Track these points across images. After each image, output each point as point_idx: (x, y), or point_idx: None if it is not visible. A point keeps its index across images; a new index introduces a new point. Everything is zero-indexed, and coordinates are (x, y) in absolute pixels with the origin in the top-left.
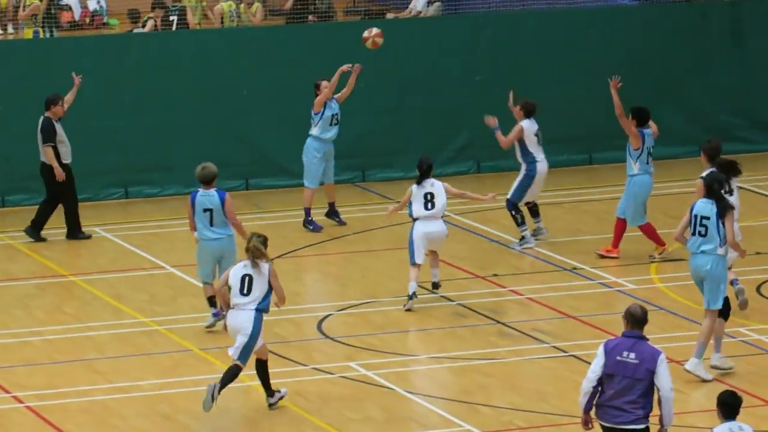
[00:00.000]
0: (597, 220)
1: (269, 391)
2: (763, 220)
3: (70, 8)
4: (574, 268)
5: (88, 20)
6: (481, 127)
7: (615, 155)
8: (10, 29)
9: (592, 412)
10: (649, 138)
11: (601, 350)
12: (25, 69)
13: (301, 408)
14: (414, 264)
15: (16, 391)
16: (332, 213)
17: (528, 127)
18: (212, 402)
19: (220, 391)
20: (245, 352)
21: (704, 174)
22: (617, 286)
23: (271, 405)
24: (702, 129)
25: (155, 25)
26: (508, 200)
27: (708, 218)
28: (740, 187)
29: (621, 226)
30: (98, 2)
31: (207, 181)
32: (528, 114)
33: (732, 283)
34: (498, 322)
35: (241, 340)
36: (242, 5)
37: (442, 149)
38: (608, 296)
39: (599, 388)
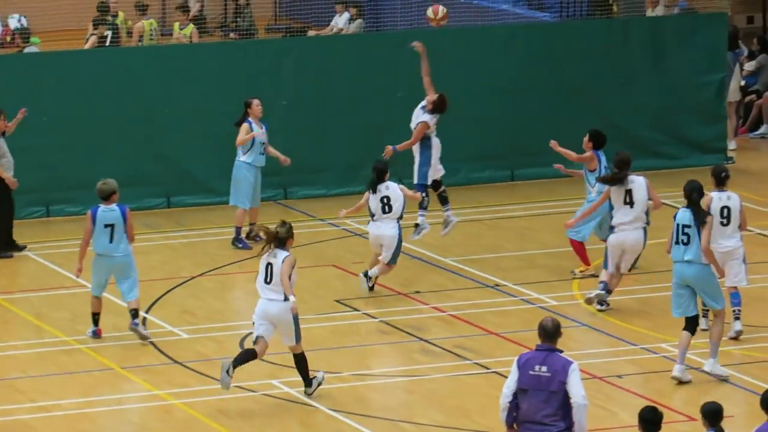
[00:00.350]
0: (519, 236)
1: (307, 381)
2: None
3: None
4: (497, 285)
5: (9, 39)
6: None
7: (536, 172)
8: None
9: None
10: (604, 159)
11: (514, 365)
12: None
13: (223, 426)
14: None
15: None
16: (250, 234)
17: (429, 119)
18: (229, 379)
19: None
20: (297, 335)
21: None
22: (539, 302)
23: (306, 393)
24: (623, 145)
25: (96, 42)
26: (415, 185)
27: (689, 226)
28: (664, 203)
29: (578, 245)
30: (19, 21)
31: (107, 197)
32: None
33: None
34: (421, 339)
35: (287, 328)
36: (175, 25)
37: (364, 166)
38: (530, 312)
39: (516, 402)
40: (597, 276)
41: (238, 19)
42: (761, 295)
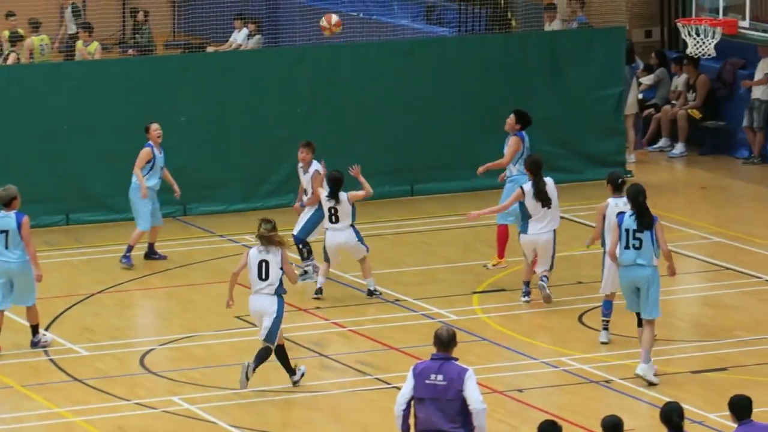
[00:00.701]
0: (419, 251)
1: (290, 371)
2: (584, 250)
3: None
4: (397, 300)
5: None
6: None
7: (436, 186)
8: None
9: None
10: (527, 140)
11: (410, 374)
12: None
13: None
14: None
15: None
16: (151, 253)
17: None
18: (247, 381)
19: (254, 370)
20: (272, 334)
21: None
22: (440, 317)
23: (295, 383)
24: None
25: (17, 59)
26: (294, 236)
27: (641, 231)
28: (563, 217)
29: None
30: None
31: (6, 203)
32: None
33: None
34: (321, 354)
35: (267, 322)
36: (79, 42)
37: (263, 182)
38: (431, 327)
39: (410, 411)
40: (498, 290)
41: (137, 35)
42: (668, 309)
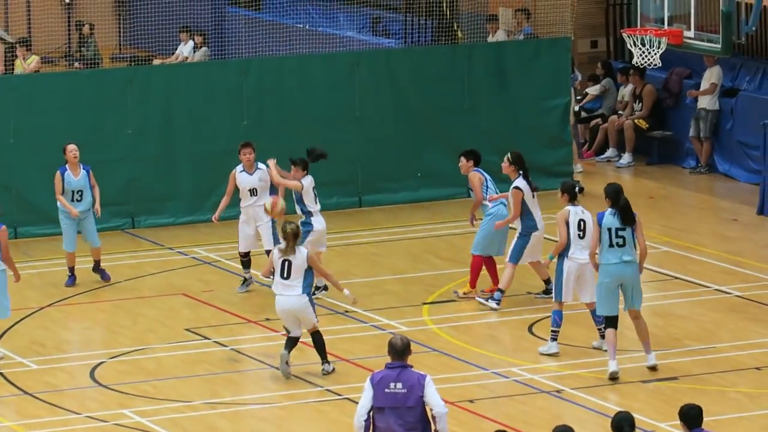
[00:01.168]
0: (368, 262)
1: (324, 359)
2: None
3: None
4: (346, 311)
5: None
6: None
7: (383, 198)
8: None
9: None
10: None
11: (368, 384)
12: None
13: None
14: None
15: None
16: (95, 270)
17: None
18: (289, 368)
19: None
20: (310, 322)
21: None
22: (390, 328)
23: (324, 372)
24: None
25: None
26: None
27: (623, 229)
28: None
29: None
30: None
31: None
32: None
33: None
34: (271, 366)
35: (306, 318)
36: (17, 61)
37: (211, 194)
38: (381, 339)
39: (370, 422)
40: (447, 301)
41: (83, 48)
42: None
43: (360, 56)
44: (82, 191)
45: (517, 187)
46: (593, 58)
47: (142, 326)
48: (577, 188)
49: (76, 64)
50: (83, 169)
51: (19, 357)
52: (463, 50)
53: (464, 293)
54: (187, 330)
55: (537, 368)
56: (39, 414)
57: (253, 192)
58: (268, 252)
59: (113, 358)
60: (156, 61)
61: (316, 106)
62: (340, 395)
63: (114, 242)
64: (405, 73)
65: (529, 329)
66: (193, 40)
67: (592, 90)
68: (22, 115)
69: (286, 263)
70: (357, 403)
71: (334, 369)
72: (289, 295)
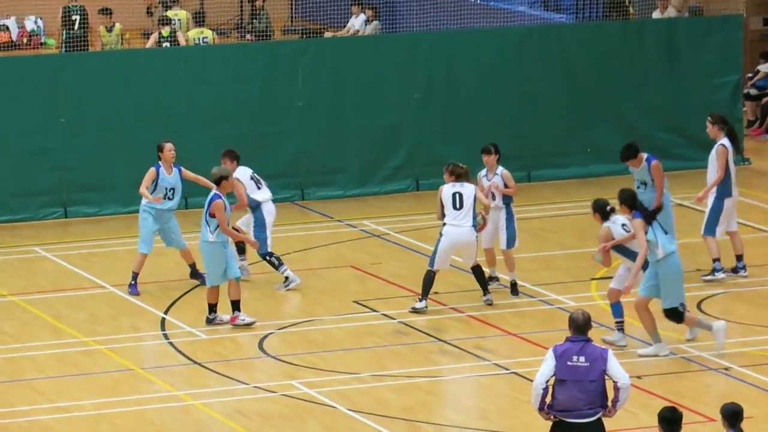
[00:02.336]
0: (536, 238)
1: (486, 290)
2: (700, 238)
3: (7, 28)
4: (513, 285)
5: (25, 40)
6: (420, 145)
7: (553, 173)
8: None
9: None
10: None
11: (550, 354)
12: None
13: (243, 427)
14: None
15: None
16: (195, 274)
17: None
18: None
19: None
20: (472, 258)
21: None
22: (558, 303)
23: (486, 301)
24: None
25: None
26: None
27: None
28: (681, 205)
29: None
30: (35, 23)
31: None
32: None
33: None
34: (439, 339)
35: (471, 251)
36: (102, 27)
37: (380, 167)
38: (549, 314)
39: (548, 390)
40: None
41: (255, 20)
42: None
43: (531, 31)
44: (174, 189)
45: (723, 145)
46: (765, 36)
47: (311, 298)
48: (608, 207)
49: (248, 36)
50: (175, 167)
51: (189, 327)
52: (634, 26)
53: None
54: (355, 302)
55: (705, 345)
56: (207, 384)
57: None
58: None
59: (281, 329)
60: (327, 34)
61: (485, 81)
62: (507, 369)
63: (283, 214)
64: (575, 48)
65: (698, 306)
66: (365, 13)
67: (764, 68)
68: (194, 86)
69: (457, 195)
70: (524, 377)
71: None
72: (463, 226)
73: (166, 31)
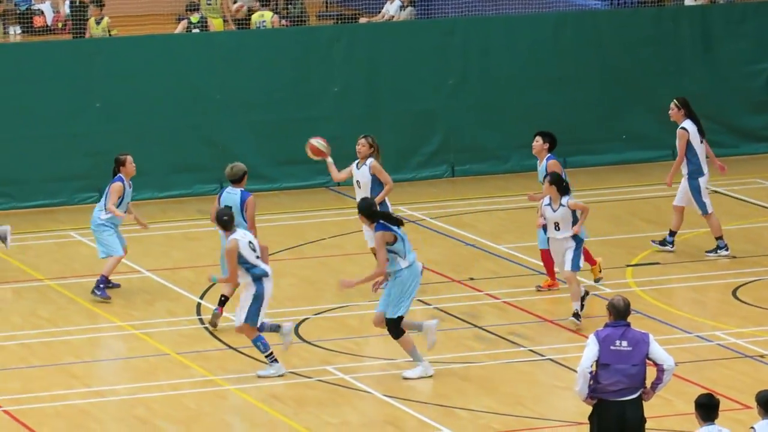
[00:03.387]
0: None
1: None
2: (739, 224)
3: (42, 13)
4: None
5: (60, 25)
6: (455, 131)
7: (586, 159)
8: None
9: None
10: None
11: (593, 339)
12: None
13: (278, 412)
14: None
15: None
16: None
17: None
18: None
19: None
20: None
21: None
22: (594, 290)
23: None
24: (674, 134)
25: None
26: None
27: None
28: (717, 191)
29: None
30: (70, 7)
31: (235, 180)
32: None
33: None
34: (474, 325)
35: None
36: (91, 20)
37: (415, 153)
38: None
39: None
40: (652, 263)
41: (290, 6)
42: None
43: (566, 17)
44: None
45: (683, 128)
46: None
47: None
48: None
49: (283, 22)
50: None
51: (225, 312)
52: (668, 13)
53: (548, 287)
54: None
55: (741, 332)
56: (243, 369)
57: None
58: None
59: (317, 314)
60: (362, 20)
61: (520, 67)
62: (543, 356)
63: (319, 199)
64: (610, 35)
65: (734, 293)
66: None
67: None
68: (229, 71)
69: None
70: (560, 364)
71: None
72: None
73: (195, 17)
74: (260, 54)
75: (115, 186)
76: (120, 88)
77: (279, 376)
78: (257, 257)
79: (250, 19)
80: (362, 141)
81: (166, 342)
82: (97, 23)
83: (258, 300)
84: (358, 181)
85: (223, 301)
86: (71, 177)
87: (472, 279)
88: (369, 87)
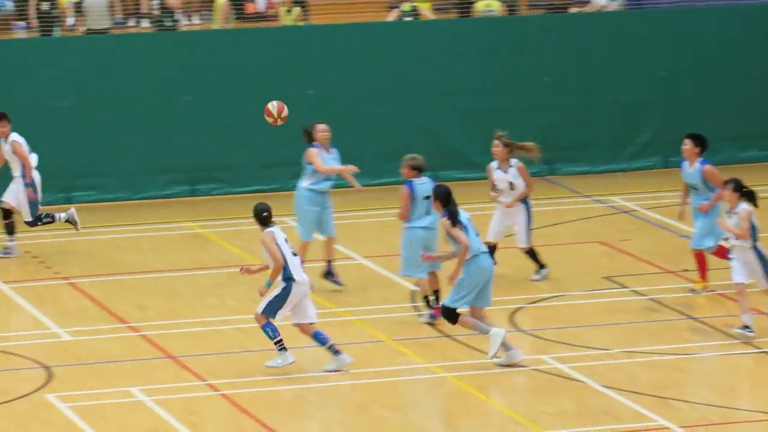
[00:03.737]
0: None
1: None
2: None
3: None
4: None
5: (272, 12)
6: (668, 122)
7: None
8: (195, 20)
9: None
10: None
11: None
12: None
13: (494, 399)
14: None
15: (211, 379)
16: (329, 273)
17: None
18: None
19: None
20: None
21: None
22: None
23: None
24: None
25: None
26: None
27: None
28: None
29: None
30: None
31: (423, 170)
32: None
33: None
34: (690, 317)
35: None
36: (282, 9)
37: (627, 144)
38: None
39: None
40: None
41: None
42: None
43: None
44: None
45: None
46: None
47: (561, 273)
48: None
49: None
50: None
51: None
52: None
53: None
54: (605, 278)
55: None
56: (459, 356)
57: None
58: None
59: (532, 303)
60: (572, 10)
61: (731, 58)
62: (760, 349)
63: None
64: None
65: None
66: None
67: None
68: (441, 60)
69: None
70: None
71: None
72: None
73: (407, 6)
74: (472, 43)
75: (311, 150)
76: (333, 75)
77: (289, 364)
78: (294, 254)
79: (471, 7)
80: (496, 143)
81: (383, 329)
82: (288, 12)
83: (281, 299)
84: (511, 183)
85: (434, 299)
86: (286, 164)
87: (686, 270)
88: (580, 77)
